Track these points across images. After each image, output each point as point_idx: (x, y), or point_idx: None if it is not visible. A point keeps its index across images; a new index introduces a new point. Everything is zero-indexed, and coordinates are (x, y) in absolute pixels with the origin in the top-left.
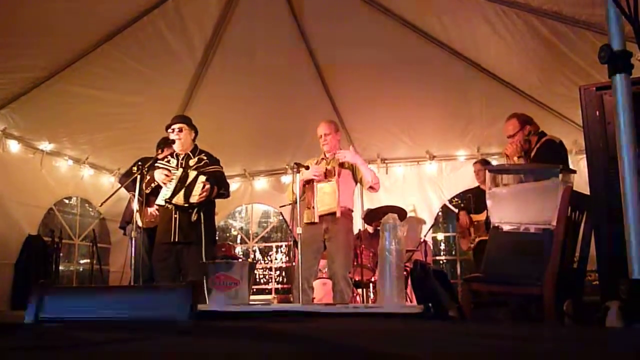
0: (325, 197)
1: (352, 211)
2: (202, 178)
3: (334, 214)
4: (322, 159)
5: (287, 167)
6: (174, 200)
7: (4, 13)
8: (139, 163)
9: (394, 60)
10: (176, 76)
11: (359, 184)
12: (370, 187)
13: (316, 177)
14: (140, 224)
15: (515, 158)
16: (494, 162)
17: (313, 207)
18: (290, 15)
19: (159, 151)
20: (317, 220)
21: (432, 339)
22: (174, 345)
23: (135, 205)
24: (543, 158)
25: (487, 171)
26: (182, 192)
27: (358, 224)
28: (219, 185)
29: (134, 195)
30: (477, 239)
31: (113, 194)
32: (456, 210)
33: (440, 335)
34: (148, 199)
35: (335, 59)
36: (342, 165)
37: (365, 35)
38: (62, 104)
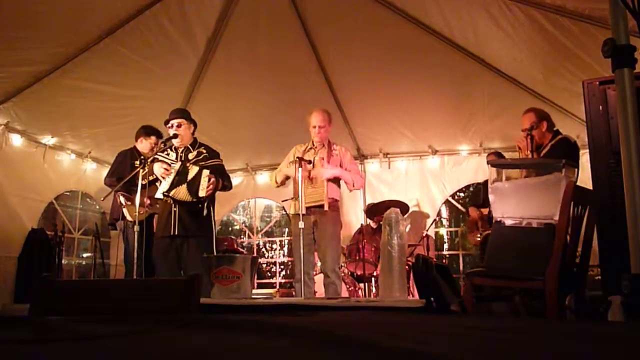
0: (313, 190)
1: (338, 201)
2: (206, 172)
3: (321, 206)
4: (311, 147)
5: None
6: (173, 194)
7: (5, 7)
8: (142, 157)
9: (397, 54)
10: (179, 70)
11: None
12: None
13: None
14: (129, 218)
15: (528, 152)
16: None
17: (300, 199)
18: (292, 9)
19: (139, 140)
20: (304, 211)
21: (433, 332)
22: (174, 338)
23: (137, 199)
24: (555, 155)
25: (489, 165)
26: (184, 187)
27: (360, 219)
28: (222, 178)
29: (121, 193)
30: (485, 233)
31: (116, 188)
32: (464, 209)
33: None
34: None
35: (337, 53)
36: (329, 155)
37: (367, 29)
38: (65, 97)
